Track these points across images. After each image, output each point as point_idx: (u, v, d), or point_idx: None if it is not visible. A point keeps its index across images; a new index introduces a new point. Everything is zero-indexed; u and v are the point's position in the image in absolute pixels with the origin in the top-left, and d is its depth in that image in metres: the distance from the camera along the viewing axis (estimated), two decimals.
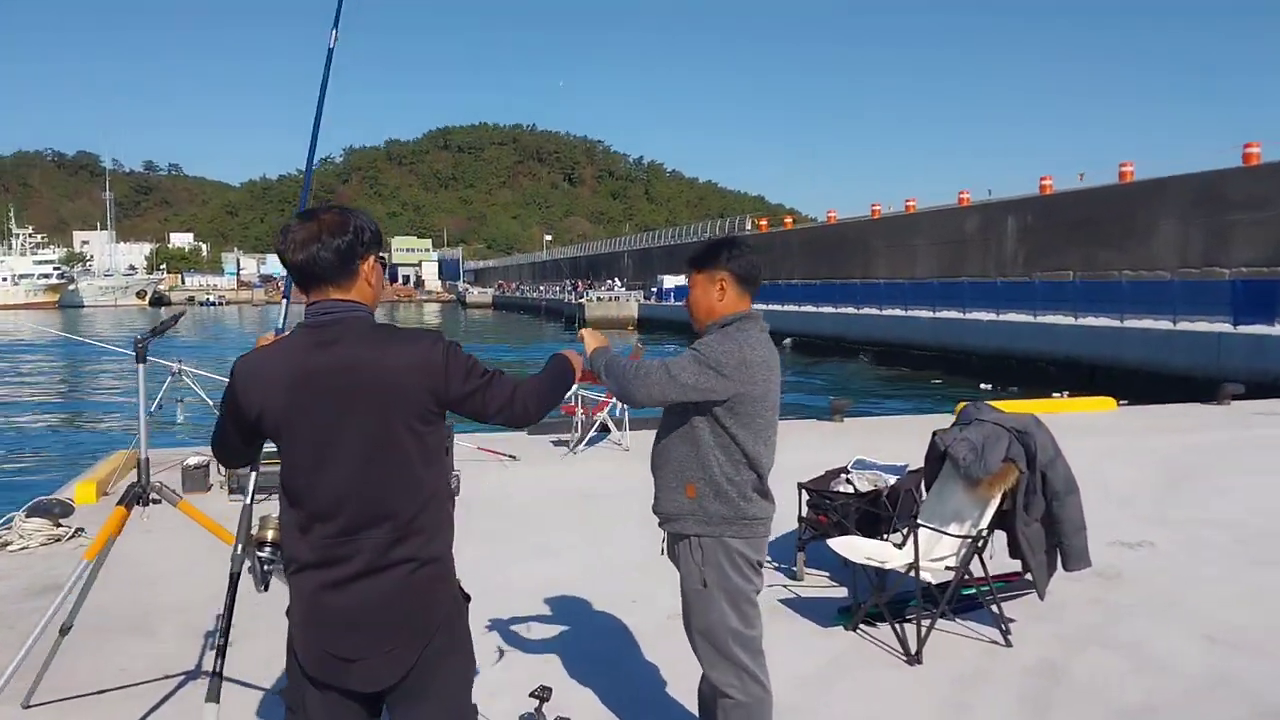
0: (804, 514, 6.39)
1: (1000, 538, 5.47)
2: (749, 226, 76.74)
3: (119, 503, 3.93)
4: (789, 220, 79.40)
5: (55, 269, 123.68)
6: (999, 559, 5.54)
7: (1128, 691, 4.65)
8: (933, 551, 5.39)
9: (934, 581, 5.32)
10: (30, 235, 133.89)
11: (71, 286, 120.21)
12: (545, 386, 2.71)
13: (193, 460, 8.88)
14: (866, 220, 56.30)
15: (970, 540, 5.25)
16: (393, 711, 2.56)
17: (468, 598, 2.68)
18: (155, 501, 4.01)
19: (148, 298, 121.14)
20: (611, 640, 5.32)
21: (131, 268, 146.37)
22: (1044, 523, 5.33)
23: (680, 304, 3.35)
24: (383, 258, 2.60)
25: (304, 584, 2.49)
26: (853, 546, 5.51)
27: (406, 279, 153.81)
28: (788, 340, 39.22)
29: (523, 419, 2.64)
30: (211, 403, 8.91)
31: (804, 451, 9.00)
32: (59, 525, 7.10)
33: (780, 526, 6.89)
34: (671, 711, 4.36)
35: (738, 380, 3.25)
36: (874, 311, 37.99)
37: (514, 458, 10.43)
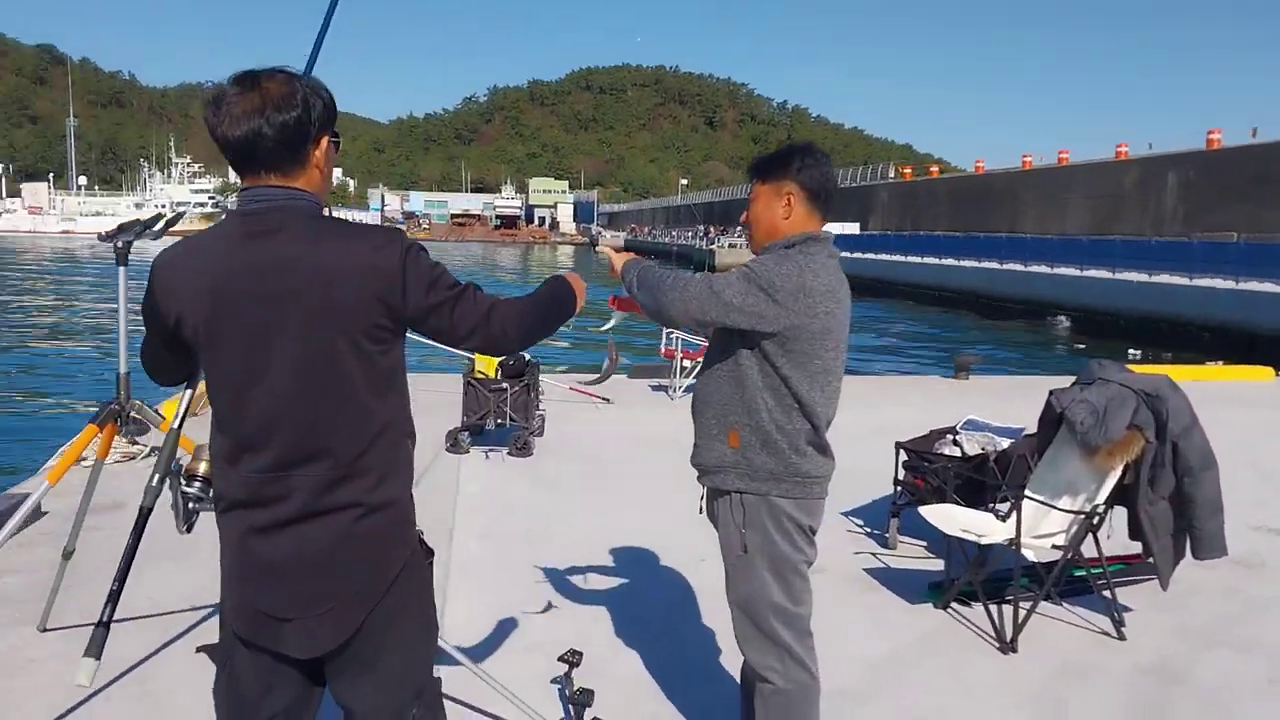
0: (900, 476, 5.80)
1: (1120, 515, 4.75)
2: (892, 174, 74.45)
3: (92, 421, 3.62)
4: (935, 169, 76.46)
5: (210, 198, 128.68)
6: (1117, 539, 4.83)
7: (1260, 702, 3.98)
8: (1040, 527, 4.75)
9: (1039, 560, 4.70)
10: (189, 165, 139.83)
11: (224, 215, 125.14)
12: (530, 309, 2.23)
13: None
14: (1017, 172, 53.90)
15: (1084, 516, 4.58)
16: (334, 682, 2.16)
17: (430, 551, 2.26)
18: (136, 420, 3.69)
19: None
20: (669, 600, 4.87)
21: None
22: (1172, 502, 4.59)
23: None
24: (336, 137, 2.14)
25: (232, 526, 2.09)
26: (947, 516, 4.90)
27: (542, 220, 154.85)
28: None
29: (501, 343, 2.18)
30: None
31: (916, 409, 8.36)
32: (135, 444, 6.96)
33: (876, 490, 6.41)
34: (721, 684, 3.89)
35: (792, 309, 2.71)
36: (1018, 267, 36.18)
37: (608, 401, 10.02)
